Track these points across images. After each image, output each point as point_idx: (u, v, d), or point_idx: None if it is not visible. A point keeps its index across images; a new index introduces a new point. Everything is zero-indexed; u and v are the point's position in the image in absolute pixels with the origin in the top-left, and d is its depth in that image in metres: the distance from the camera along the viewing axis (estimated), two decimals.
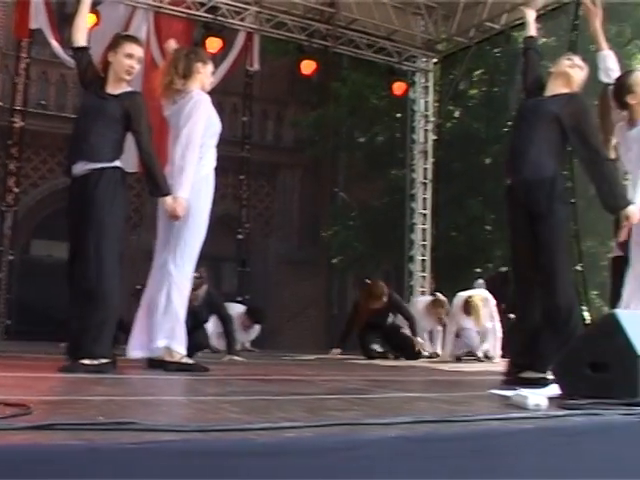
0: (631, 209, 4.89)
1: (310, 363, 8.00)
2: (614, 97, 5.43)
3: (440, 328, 10.58)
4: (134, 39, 5.42)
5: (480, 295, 9.60)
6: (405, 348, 10.03)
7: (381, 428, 2.24)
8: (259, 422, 2.25)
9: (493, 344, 9.65)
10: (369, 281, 10.12)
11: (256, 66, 12.51)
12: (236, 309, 10.75)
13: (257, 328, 11.22)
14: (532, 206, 4.90)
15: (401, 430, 2.22)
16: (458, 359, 9.53)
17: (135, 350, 5.32)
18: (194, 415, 2.79)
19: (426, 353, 10.35)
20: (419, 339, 10.17)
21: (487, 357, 9.74)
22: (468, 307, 9.44)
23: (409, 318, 10.11)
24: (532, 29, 5.69)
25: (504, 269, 8.85)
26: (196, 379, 4.68)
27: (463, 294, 9.70)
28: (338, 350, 9.98)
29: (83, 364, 4.62)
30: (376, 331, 10.09)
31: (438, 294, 10.87)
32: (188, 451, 1.90)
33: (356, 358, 9.24)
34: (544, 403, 2.94)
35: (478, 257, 16.25)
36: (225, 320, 8.29)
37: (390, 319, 10.18)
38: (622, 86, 5.35)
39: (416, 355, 9.87)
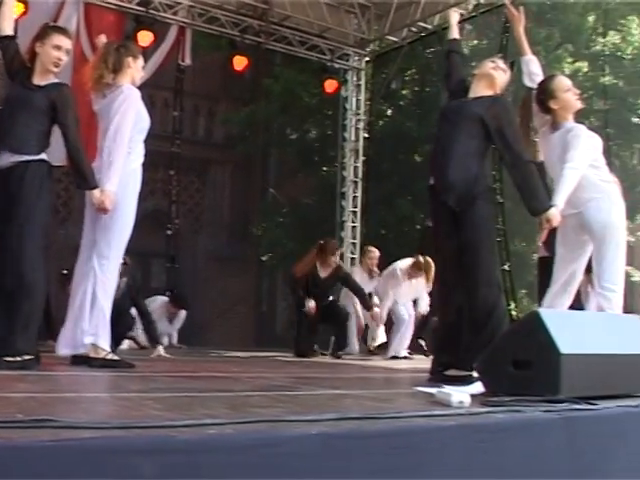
0: (552, 212, 4.97)
1: (237, 360, 7.97)
2: (537, 101, 5.50)
3: (372, 287, 10.32)
4: (63, 30, 5.32)
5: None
6: (339, 330, 9.85)
7: (304, 425, 2.24)
8: (181, 419, 2.23)
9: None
10: (322, 242, 9.91)
11: (188, 61, 12.39)
12: (159, 300, 10.67)
13: (183, 315, 11.04)
14: (455, 205, 4.96)
15: (324, 427, 2.23)
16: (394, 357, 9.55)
17: (64, 348, 5.24)
18: (116, 412, 2.75)
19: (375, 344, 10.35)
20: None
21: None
22: (419, 265, 9.42)
23: (358, 290, 9.81)
24: (455, 32, 5.75)
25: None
26: (120, 376, 4.62)
27: (406, 260, 9.74)
28: (312, 303, 9.51)
29: (5, 361, 4.53)
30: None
31: (368, 246, 10.87)
32: (108, 448, 1.88)
33: (284, 355, 9.22)
34: (467, 400, 2.98)
35: (407, 256, 16.39)
36: (143, 313, 8.25)
37: (330, 298, 9.94)
38: (545, 91, 5.43)
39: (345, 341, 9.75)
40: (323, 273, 9.61)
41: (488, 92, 5.18)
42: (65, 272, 7.88)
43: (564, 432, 2.87)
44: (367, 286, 10.23)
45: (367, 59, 14.27)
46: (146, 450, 1.91)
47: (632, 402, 3.39)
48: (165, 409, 2.75)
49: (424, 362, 8.18)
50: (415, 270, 9.52)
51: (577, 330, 3.57)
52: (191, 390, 3.70)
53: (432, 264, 9.11)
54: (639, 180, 23.34)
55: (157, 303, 10.63)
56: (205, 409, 2.71)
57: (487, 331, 4.72)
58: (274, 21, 12.66)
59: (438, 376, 4.80)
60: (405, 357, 9.64)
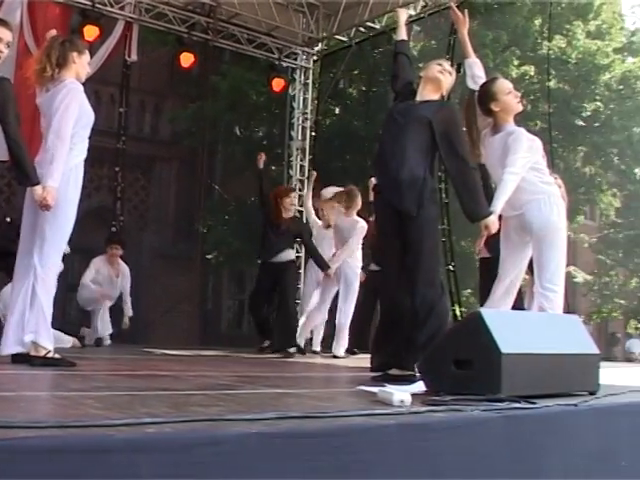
0: (490, 219, 5.02)
1: (180, 359, 7.92)
2: (479, 104, 5.53)
3: (327, 234, 9.80)
4: (3, 22, 5.24)
5: None
6: (280, 327, 9.29)
7: (244, 424, 2.23)
8: (120, 418, 2.21)
9: None
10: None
11: (134, 57, 12.30)
12: (96, 260, 10.39)
13: (126, 271, 10.53)
14: (401, 206, 4.98)
15: (264, 426, 2.22)
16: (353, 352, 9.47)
17: (6, 346, 5.16)
18: (54, 411, 2.72)
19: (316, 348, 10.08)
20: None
21: None
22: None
23: (313, 250, 9.46)
24: (403, 32, 5.76)
25: None
26: (61, 374, 4.57)
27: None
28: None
29: None
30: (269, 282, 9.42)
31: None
32: (44, 448, 1.85)
33: (228, 355, 9.16)
34: (408, 399, 2.99)
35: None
36: None
37: (290, 255, 9.56)
38: (486, 93, 5.47)
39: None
40: (285, 213, 9.40)
41: (435, 95, 5.21)
42: (9, 220, 7.67)
43: (504, 431, 2.90)
44: (325, 238, 9.84)
45: (315, 58, 14.30)
46: (84, 449, 1.89)
47: (571, 401, 3.43)
48: (104, 408, 2.72)
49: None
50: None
51: (518, 330, 3.61)
52: (132, 389, 3.67)
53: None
54: (582, 181, 23.71)
55: (96, 262, 10.34)
56: (145, 408, 2.69)
57: (428, 330, 4.75)
58: (222, 18, 12.63)
59: (381, 375, 4.81)
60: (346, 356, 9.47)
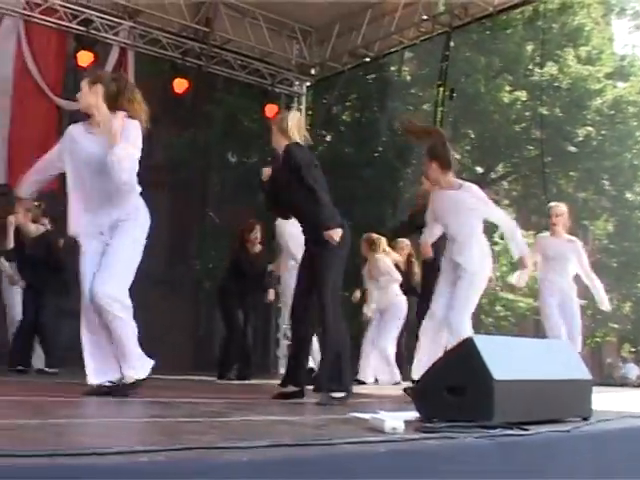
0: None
1: (171, 384, 7.82)
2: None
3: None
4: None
5: None
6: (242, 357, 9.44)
7: (235, 452, 2.22)
8: (112, 446, 2.19)
9: None
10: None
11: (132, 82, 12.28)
12: None
13: None
14: None
15: (255, 454, 2.20)
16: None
17: None
18: (44, 439, 2.68)
19: None
20: None
21: None
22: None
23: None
24: None
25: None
26: (51, 401, 4.52)
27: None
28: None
29: None
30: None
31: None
32: (35, 476, 1.83)
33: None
34: (401, 426, 2.98)
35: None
36: None
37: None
38: None
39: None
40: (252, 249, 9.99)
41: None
42: None
43: (497, 458, 2.89)
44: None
45: (308, 84, 14.31)
46: (74, 478, 1.87)
47: (564, 427, 3.43)
48: (94, 436, 2.69)
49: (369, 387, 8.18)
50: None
51: (510, 356, 3.61)
52: (122, 415, 3.65)
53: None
54: (576, 207, 23.77)
55: None
56: (137, 435, 2.67)
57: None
58: (216, 44, 12.64)
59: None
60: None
